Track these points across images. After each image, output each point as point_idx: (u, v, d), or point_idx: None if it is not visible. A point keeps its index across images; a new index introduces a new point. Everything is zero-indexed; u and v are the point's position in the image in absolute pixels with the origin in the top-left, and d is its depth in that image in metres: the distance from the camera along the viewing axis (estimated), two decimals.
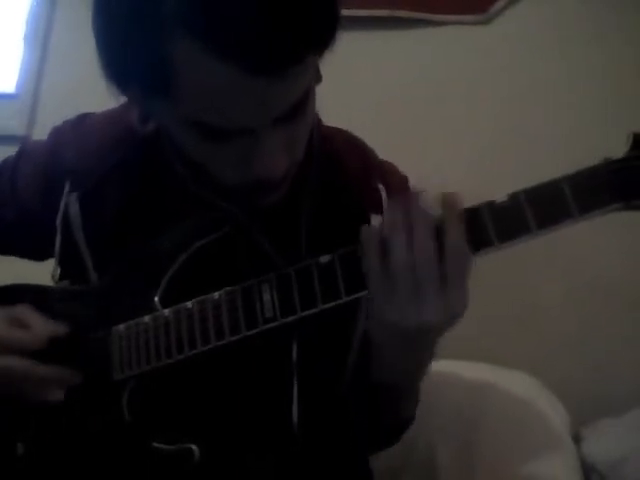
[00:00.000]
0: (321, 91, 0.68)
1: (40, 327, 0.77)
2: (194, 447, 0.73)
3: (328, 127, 0.84)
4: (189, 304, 0.73)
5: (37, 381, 0.76)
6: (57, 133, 0.87)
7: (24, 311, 0.79)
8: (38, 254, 0.90)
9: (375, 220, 0.79)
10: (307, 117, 0.67)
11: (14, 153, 0.91)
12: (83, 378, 0.77)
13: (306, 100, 0.65)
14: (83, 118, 0.87)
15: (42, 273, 0.86)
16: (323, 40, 0.60)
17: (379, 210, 0.79)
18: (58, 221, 0.81)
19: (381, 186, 0.82)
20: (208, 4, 0.54)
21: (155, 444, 0.74)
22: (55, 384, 0.76)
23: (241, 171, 0.66)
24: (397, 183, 0.85)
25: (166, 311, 0.75)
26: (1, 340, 0.75)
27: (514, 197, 0.63)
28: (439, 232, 0.62)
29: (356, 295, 0.66)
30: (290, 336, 0.75)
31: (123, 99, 0.67)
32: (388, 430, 0.86)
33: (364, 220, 0.77)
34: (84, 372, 0.77)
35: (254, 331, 0.69)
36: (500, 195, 0.64)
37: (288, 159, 0.67)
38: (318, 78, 0.65)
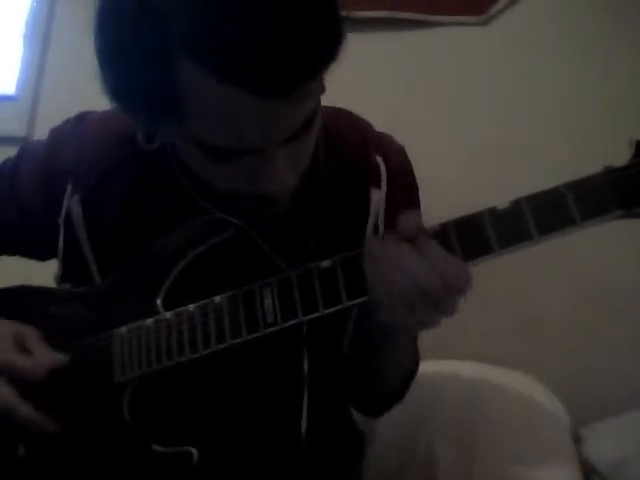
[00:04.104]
0: None
1: (43, 358, 0.76)
2: (193, 450, 0.73)
3: (323, 107, 0.84)
4: (191, 307, 0.74)
5: (20, 419, 0.74)
6: (56, 133, 0.87)
7: (30, 335, 0.78)
8: (41, 254, 0.90)
9: (375, 194, 0.80)
10: (313, 131, 0.67)
11: (14, 154, 0.91)
12: (61, 426, 0.75)
13: (313, 117, 0.65)
14: (82, 118, 0.87)
15: (46, 274, 0.86)
16: (330, 59, 0.59)
17: (377, 184, 0.81)
18: (61, 222, 0.81)
19: (380, 158, 0.82)
20: (214, 30, 0.54)
21: (154, 446, 0.74)
22: (35, 428, 0.74)
23: (247, 187, 0.67)
24: (395, 154, 0.86)
25: (168, 314, 0.75)
26: (1, 363, 0.74)
27: (516, 204, 0.63)
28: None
29: (358, 300, 0.66)
30: (301, 348, 0.76)
31: None
32: (399, 379, 0.89)
33: (365, 199, 0.78)
34: (85, 374, 0.78)
35: (255, 335, 0.69)
36: (499, 197, 0.64)
37: (294, 174, 0.67)
38: (322, 89, 0.64)
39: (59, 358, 0.77)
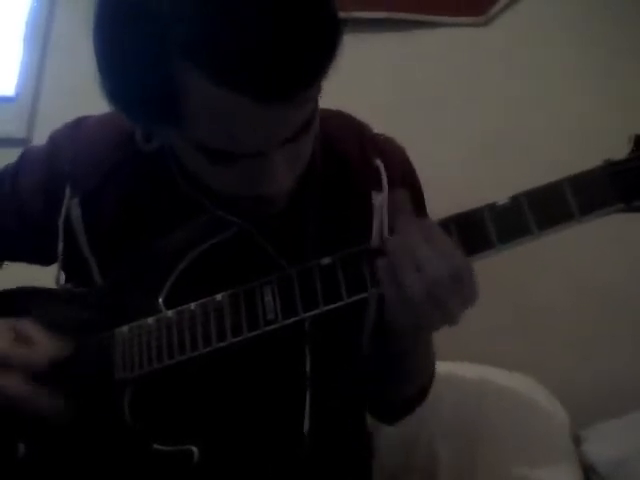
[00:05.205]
0: None
1: (45, 345, 0.76)
2: (194, 448, 0.73)
3: (322, 109, 0.84)
4: (192, 305, 0.74)
5: (32, 407, 0.74)
6: (55, 137, 0.87)
7: (29, 326, 0.77)
8: (43, 259, 0.89)
9: (377, 198, 0.80)
10: (312, 131, 0.67)
11: (14, 156, 0.91)
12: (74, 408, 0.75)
13: (312, 117, 0.65)
14: (80, 122, 0.87)
15: (47, 277, 0.86)
16: (329, 63, 0.59)
17: (379, 187, 0.80)
18: (60, 226, 0.81)
19: (379, 161, 0.82)
20: (215, 35, 0.54)
21: (155, 445, 0.74)
22: (49, 414, 0.75)
23: (245, 190, 0.67)
24: (395, 156, 0.86)
25: (169, 312, 0.75)
26: (4, 356, 0.74)
27: (515, 199, 0.64)
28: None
29: (358, 296, 0.66)
30: (303, 346, 0.76)
31: None
32: (418, 389, 0.90)
33: (366, 203, 0.78)
34: (86, 374, 0.77)
35: (256, 332, 0.69)
36: (500, 197, 0.64)
37: (293, 175, 0.68)
38: (319, 90, 0.64)
39: (60, 345, 0.77)
